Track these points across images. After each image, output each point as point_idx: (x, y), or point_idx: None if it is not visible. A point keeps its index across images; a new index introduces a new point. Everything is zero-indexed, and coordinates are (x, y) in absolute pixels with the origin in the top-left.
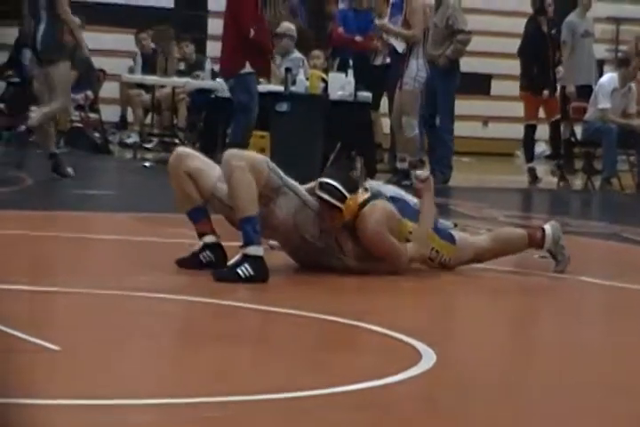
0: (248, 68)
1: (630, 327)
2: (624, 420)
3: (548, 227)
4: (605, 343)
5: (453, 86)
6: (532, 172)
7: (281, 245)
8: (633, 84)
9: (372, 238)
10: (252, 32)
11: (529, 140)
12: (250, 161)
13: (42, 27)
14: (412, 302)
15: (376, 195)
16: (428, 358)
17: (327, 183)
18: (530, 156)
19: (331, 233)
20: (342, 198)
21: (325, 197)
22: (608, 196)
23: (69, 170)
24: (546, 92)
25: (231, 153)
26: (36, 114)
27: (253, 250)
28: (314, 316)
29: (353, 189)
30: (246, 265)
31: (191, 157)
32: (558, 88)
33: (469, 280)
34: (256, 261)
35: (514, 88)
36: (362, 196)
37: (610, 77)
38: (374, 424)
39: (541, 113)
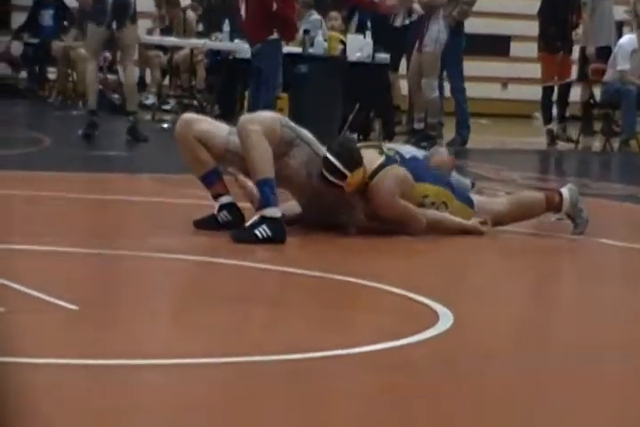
0: (275, 35)
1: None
2: None
3: (565, 190)
4: (624, 306)
5: (460, 47)
6: (550, 133)
7: (294, 195)
8: None
9: (384, 207)
10: (275, 6)
11: (547, 102)
12: (264, 124)
13: None
14: (428, 263)
15: (390, 159)
16: (446, 320)
17: (328, 160)
18: (548, 117)
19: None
20: (343, 177)
21: (326, 174)
22: (626, 157)
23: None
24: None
25: (246, 117)
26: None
27: (271, 212)
28: (330, 277)
29: (356, 164)
30: (264, 226)
31: (197, 121)
32: (577, 50)
33: (487, 242)
34: (274, 223)
35: (533, 50)
36: (376, 161)
37: (629, 39)
38: (390, 385)
39: None
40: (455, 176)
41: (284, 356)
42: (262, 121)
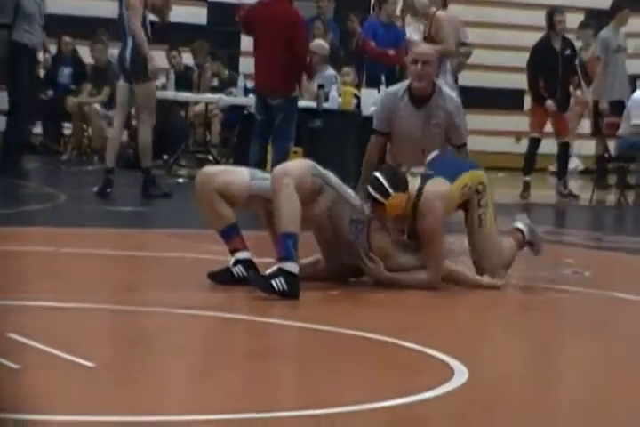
0: (297, 92)
1: None
2: None
3: (519, 224)
4: (637, 361)
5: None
6: (526, 186)
7: (316, 238)
8: None
9: (429, 234)
10: (308, 60)
11: (532, 154)
12: (296, 177)
13: (129, 49)
14: (443, 318)
15: (425, 176)
16: (460, 375)
17: (376, 178)
18: (529, 169)
19: (364, 229)
20: (386, 194)
21: (370, 190)
22: None
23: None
24: (550, 103)
25: (280, 170)
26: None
27: (290, 266)
28: (345, 332)
29: (401, 187)
30: (281, 279)
31: (217, 173)
32: (590, 104)
33: (501, 297)
34: (290, 278)
35: None
36: (414, 183)
37: None
38: None
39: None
40: None
41: (303, 412)
42: (295, 174)
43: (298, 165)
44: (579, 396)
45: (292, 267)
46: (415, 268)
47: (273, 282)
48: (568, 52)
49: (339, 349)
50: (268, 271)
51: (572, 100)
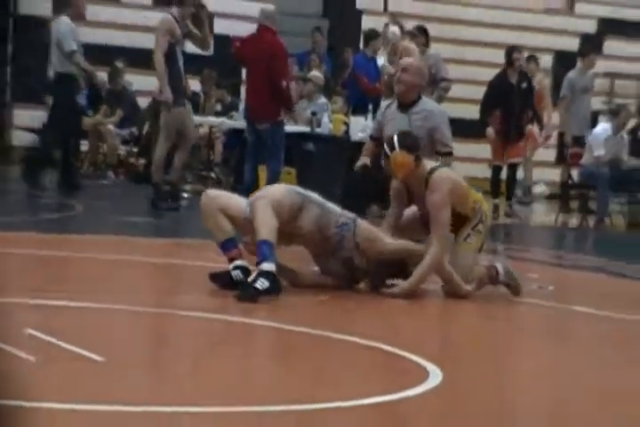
0: (282, 116)
1: (618, 354)
2: None
3: (497, 264)
4: (596, 369)
5: None
6: (496, 208)
7: (310, 252)
8: (624, 133)
9: (435, 203)
10: (285, 84)
11: (495, 179)
12: (272, 197)
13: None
14: (421, 324)
15: (445, 165)
16: (435, 377)
17: (391, 137)
18: (496, 193)
19: (350, 228)
20: (392, 148)
21: (385, 145)
22: (600, 233)
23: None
24: (489, 131)
25: (257, 194)
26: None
27: (267, 266)
28: (330, 335)
29: (409, 146)
30: (262, 279)
31: (219, 196)
32: (555, 135)
33: (473, 308)
34: (269, 275)
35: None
36: (430, 164)
37: (603, 128)
38: None
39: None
40: None
41: (282, 407)
42: (270, 195)
43: (274, 188)
44: (539, 396)
45: (268, 266)
46: (399, 251)
47: (256, 284)
48: (524, 85)
49: (322, 350)
50: (251, 277)
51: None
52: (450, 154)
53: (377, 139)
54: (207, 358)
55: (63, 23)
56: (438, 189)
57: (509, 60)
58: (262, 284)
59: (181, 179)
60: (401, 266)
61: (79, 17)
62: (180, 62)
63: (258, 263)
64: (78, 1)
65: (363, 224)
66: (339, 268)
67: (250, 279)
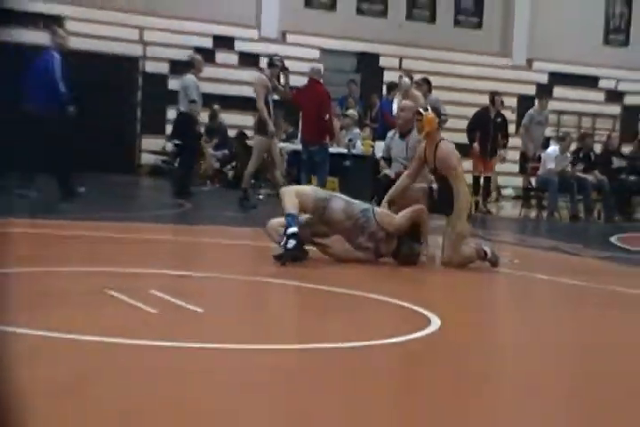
0: (327, 141)
1: (569, 308)
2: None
3: (486, 248)
4: (555, 314)
5: None
6: (476, 204)
7: (340, 233)
8: (568, 153)
9: (447, 155)
10: (328, 119)
11: (476, 186)
12: (297, 189)
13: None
14: (423, 287)
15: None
16: (435, 324)
17: (425, 108)
18: (475, 193)
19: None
20: (426, 110)
21: (420, 110)
22: (551, 223)
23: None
24: (475, 146)
25: (285, 188)
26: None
27: (292, 230)
28: (358, 293)
29: (437, 113)
30: (290, 240)
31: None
32: (518, 155)
33: (470, 276)
34: (295, 236)
35: None
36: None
37: (553, 149)
38: (387, 369)
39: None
40: None
41: (322, 345)
42: (297, 188)
43: (303, 186)
44: (518, 339)
45: (293, 230)
46: (408, 218)
47: (287, 245)
48: (499, 120)
49: (352, 304)
50: (282, 242)
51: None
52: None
53: (386, 158)
54: (275, 310)
55: (189, 79)
56: (450, 150)
57: (492, 101)
58: (290, 243)
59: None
60: (414, 231)
61: (198, 74)
62: (271, 106)
63: (285, 229)
64: (200, 64)
65: (378, 209)
66: (367, 243)
67: (282, 243)
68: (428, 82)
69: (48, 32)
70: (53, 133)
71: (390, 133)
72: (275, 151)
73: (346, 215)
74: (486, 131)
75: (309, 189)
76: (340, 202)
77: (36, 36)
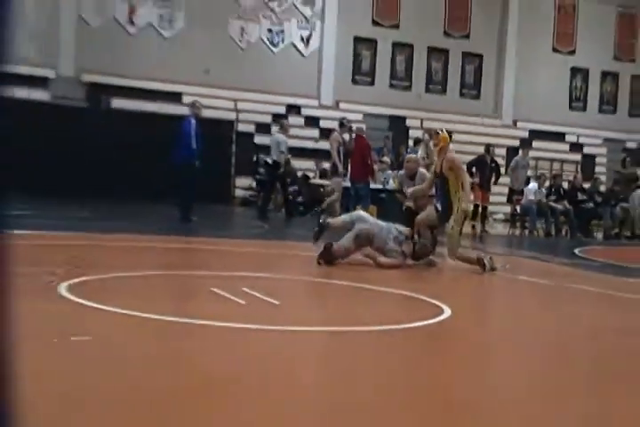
0: (369, 179)
1: (554, 304)
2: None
3: (486, 260)
4: (544, 311)
5: None
6: (474, 227)
7: (369, 245)
8: (544, 189)
9: (457, 164)
10: (370, 163)
11: (475, 212)
12: (339, 218)
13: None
14: (443, 285)
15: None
16: (447, 313)
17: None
18: (474, 218)
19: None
20: (441, 131)
21: (437, 130)
22: (531, 239)
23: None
24: (475, 180)
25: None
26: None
27: (323, 217)
28: (383, 289)
29: (449, 134)
30: (322, 216)
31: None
32: (507, 189)
33: (474, 277)
34: (319, 224)
35: None
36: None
37: (532, 185)
38: (413, 343)
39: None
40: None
41: (365, 328)
42: (339, 217)
43: (344, 215)
44: (510, 322)
45: (323, 218)
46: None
47: (315, 229)
48: (493, 164)
49: (385, 298)
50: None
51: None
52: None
53: (401, 191)
54: (331, 302)
55: (280, 137)
56: (457, 157)
57: (487, 150)
58: (315, 229)
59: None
60: (425, 234)
61: (286, 133)
62: (342, 155)
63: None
64: (287, 127)
65: (396, 225)
66: (396, 247)
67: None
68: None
69: (188, 105)
70: (186, 178)
71: (402, 172)
72: (336, 187)
73: (368, 234)
74: (484, 172)
75: (343, 217)
76: (363, 225)
77: (172, 108)
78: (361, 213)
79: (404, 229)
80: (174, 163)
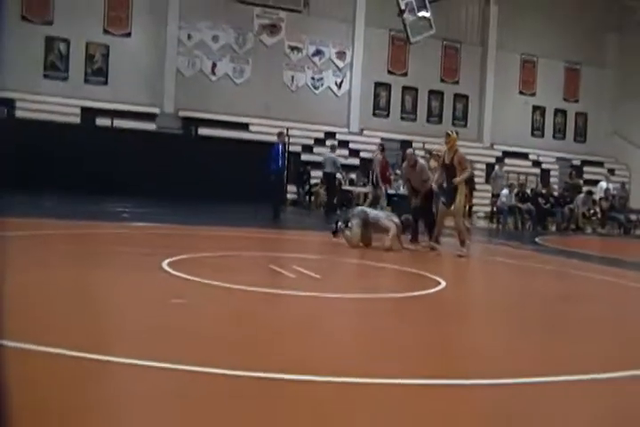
0: (387, 186)
1: (519, 277)
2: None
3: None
4: (511, 283)
5: None
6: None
7: (376, 227)
8: (513, 194)
9: (462, 159)
10: (388, 173)
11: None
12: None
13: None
14: (439, 265)
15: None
16: (442, 285)
17: (451, 131)
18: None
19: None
20: (453, 133)
21: (448, 132)
22: (504, 231)
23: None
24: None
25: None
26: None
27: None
28: (392, 267)
29: (457, 135)
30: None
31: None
32: (488, 194)
33: (465, 260)
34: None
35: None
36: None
37: (505, 191)
38: (409, 309)
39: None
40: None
41: (381, 295)
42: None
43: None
44: (490, 289)
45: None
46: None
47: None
48: (474, 178)
49: (396, 274)
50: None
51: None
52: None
53: (408, 180)
54: (357, 277)
55: (333, 156)
56: (464, 158)
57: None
58: (339, 223)
59: None
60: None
61: (334, 152)
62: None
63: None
64: (335, 148)
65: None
66: (387, 222)
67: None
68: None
69: (277, 134)
70: (276, 185)
71: (405, 164)
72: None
73: (367, 214)
74: (472, 182)
75: (354, 221)
76: (364, 213)
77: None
78: (362, 207)
79: (396, 218)
80: (268, 174)
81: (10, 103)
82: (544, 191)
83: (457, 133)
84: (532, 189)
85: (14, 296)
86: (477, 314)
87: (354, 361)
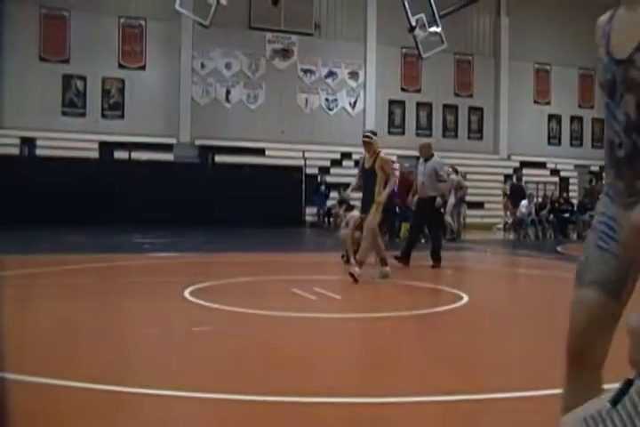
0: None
1: (542, 288)
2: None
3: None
4: (535, 294)
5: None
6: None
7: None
8: (532, 204)
9: (387, 163)
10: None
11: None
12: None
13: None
14: (459, 279)
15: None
16: (465, 299)
17: (370, 132)
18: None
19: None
20: (374, 135)
21: (366, 136)
22: (526, 241)
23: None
24: None
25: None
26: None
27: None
28: (412, 284)
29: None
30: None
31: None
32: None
33: (484, 272)
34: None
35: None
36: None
37: (525, 202)
38: (436, 324)
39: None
40: None
41: (405, 313)
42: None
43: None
44: (512, 302)
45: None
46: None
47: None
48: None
49: (418, 290)
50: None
51: None
52: (445, 181)
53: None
54: (377, 295)
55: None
56: (388, 161)
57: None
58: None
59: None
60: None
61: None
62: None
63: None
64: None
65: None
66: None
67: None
68: (455, 170)
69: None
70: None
71: (420, 161)
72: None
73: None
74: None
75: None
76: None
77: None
78: (352, 213)
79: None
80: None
81: (30, 142)
82: (562, 200)
83: (375, 134)
84: (550, 198)
85: (41, 329)
86: (505, 328)
87: (387, 381)
